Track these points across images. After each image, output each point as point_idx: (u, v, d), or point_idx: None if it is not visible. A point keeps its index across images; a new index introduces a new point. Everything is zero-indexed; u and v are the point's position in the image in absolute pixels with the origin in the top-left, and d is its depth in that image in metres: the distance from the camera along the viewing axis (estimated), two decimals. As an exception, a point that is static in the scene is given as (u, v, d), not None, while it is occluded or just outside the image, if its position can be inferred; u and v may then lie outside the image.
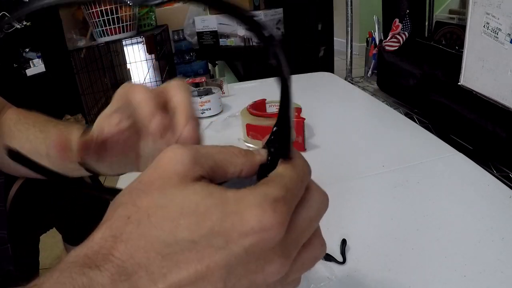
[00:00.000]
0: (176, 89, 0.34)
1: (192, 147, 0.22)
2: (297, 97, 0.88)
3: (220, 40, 2.02)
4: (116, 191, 0.24)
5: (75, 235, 0.80)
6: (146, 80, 2.51)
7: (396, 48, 1.27)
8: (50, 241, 1.06)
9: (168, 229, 0.20)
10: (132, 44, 2.42)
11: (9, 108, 0.60)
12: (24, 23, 1.61)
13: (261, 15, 1.83)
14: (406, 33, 1.25)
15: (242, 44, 1.96)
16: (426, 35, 1.44)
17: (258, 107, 0.82)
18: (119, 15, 2.00)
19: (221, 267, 0.20)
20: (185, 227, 0.20)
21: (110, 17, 1.98)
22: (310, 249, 0.25)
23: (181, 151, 0.22)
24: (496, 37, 0.74)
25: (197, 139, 0.33)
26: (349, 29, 1.53)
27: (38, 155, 0.54)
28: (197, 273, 0.20)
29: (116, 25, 2.02)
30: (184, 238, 0.20)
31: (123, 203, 0.21)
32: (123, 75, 2.85)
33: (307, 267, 0.25)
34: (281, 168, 0.24)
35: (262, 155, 0.25)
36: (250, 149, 0.25)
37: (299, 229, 0.23)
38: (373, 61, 1.54)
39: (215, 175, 0.23)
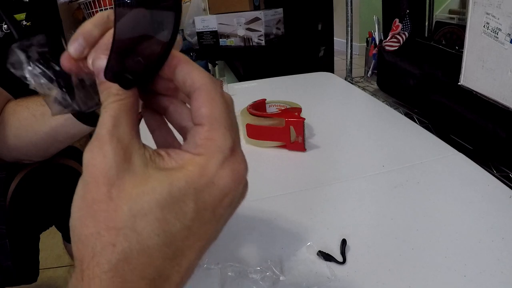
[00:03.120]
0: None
1: (109, 139, 0.21)
2: (297, 97, 0.88)
3: (220, 40, 2.02)
4: None
5: None
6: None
7: (396, 48, 1.27)
8: (50, 241, 1.07)
9: (161, 230, 0.20)
10: (132, 44, 2.41)
11: (14, 99, 0.62)
12: (24, 23, 1.60)
13: (261, 15, 1.83)
14: (406, 33, 1.25)
15: (242, 44, 1.96)
16: (426, 35, 1.44)
17: (258, 107, 0.82)
18: (119, 15, 1.99)
19: (217, 230, 0.23)
20: (176, 219, 0.20)
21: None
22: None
23: (105, 150, 0.21)
24: (496, 37, 0.74)
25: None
26: (349, 29, 1.53)
27: (32, 117, 0.57)
28: (201, 248, 0.22)
29: (116, 25, 2.02)
30: (179, 229, 0.20)
31: (93, 234, 0.20)
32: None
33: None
34: (204, 110, 0.23)
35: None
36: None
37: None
38: (373, 61, 1.54)
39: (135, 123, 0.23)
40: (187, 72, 0.24)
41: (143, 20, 0.22)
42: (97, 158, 0.20)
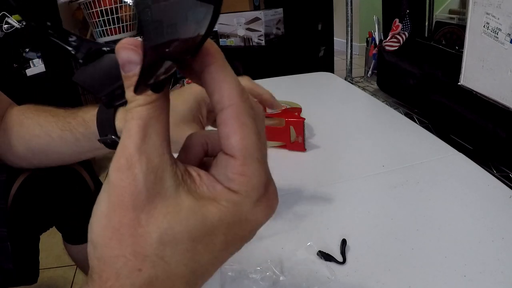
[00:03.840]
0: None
1: (139, 157, 0.19)
2: (297, 97, 0.88)
3: (220, 40, 2.02)
4: None
5: (75, 234, 0.81)
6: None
7: (396, 48, 1.27)
8: (50, 241, 1.06)
9: (189, 261, 0.20)
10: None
11: (15, 105, 0.62)
12: (24, 23, 1.60)
13: (261, 15, 1.83)
14: (406, 33, 1.25)
15: (242, 44, 1.96)
16: (426, 35, 1.44)
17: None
18: (119, 15, 2.00)
19: (236, 251, 0.23)
20: (206, 251, 0.20)
21: (110, 17, 1.97)
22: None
23: (135, 171, 0.19)
24: (496, 37, 0.74)
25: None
26: (349, 29, 1.53)
27: (49, 138, 0.57)
28: (219, 267, 0.22)
29: (116, 25, 2.02)
30: (207, 260, 0.21)
31: (118, 257, 0.19)
32: (123, 75, 2.83)
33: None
34: (235, 140, 0.20)
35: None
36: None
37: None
38: (373, 61, 1.54)
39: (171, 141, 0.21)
40: (217, 81, 0.20)
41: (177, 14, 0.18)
42: (126, 180, 0.19)
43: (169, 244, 0.19)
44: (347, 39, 1.56)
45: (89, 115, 0.54)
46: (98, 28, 2.02)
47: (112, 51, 0.31)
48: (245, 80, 0.51)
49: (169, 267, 0.19)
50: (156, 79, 0.19)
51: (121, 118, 0.51)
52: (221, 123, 0.20)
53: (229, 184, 0.21)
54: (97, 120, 0.53)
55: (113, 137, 0.52)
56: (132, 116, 0.19)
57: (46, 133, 0.57)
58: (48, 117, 0.58)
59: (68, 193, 0.72)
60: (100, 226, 0.20)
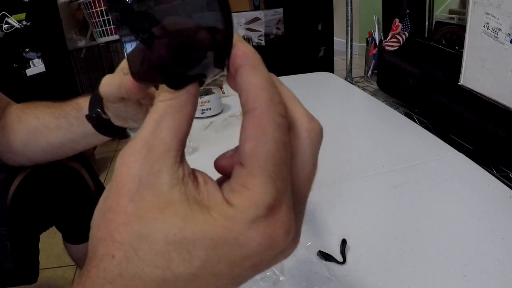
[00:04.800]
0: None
1: (142, 147, 0.19)
2: (297, 97, 0.88)
3: (220, 40, 2.02)
4: None
5: (75, 234, 0.80)
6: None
7: (396, 48, 1.27)
8: (50, 241, 1.06)
9: (162, 265, 0.18)
10: (132, 44, 2.41)
11: (14, 104, 0.63)
12: (24, 23, 1.61)
13: (261, 15, 1.83)
14: (406, 33, 1.25)
15: (242, 44, 1.96)
16: (426, 35, 1.44)
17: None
18: (119, 15, 1.99)
19: (233, 284, 0.19)
20: (180, 260, 0.18)
21: (110, 17, 1.97)
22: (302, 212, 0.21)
23: (133, 159, 0.19)
24: (496, 37, 0.74)
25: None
26: (349, 29, 1.53)
27: (46, 129, 0.59)
28: None
29: (116, 25, 2.02)
30: (182, 272, 0.18)
31: (101, 239, 0.19)
32: (123, 75, 2.84)
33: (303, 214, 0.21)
34: (248, 146, 0.18)
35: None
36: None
37: (302, 200, 0.20)
38: (373, 61, 1.54)
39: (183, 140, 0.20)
40: (245, 82, 0.19)
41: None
42: (124, 167, 0.19)
43: (145, 240, 0.18)
44: (347, 39, 1.56)
45: (83, 99, 0.56)
46: (98, 28, 2.02)
47: None
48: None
49: (140, 264, 0.18)
50: (175, 72, 0.19)
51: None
52: (242, 127, 0.19)
53: (228, 195, 0.19)
54: (90, 100, 0.54)
55: (98, 110, 0.52)
56: (152, 110, 0.20)
57: (44, 124, 0.58)
58: (45, 109, 0.60)
59: (68, 192, 0.72)
60: (98, 208, 0.20)
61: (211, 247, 0.18)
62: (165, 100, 0.20)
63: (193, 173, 0.20)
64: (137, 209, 0.18)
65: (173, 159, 0.19)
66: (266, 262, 0.19)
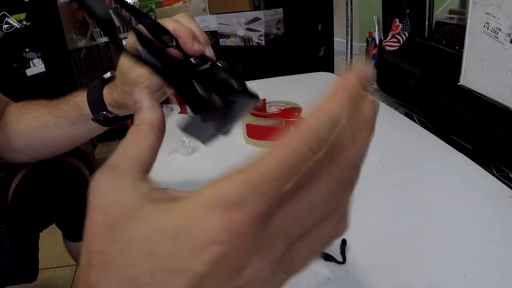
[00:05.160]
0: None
1: (109, 167, 0.21)
2: (297, 97, 0.88)
3: (220, 40, 2.02)
4: None
5: (74, 231, 0.80)
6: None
7: (396, 48, 1.27)
8: (50, 241, 1.06)
9: (126, 264, 0.19)
10: (132, 44, 2.41)
11: (13, 103, 0.63)
12: (24, 23, 1.61)
13: (261, 15, 1.83)
14: (406, 33, 1.25)
15: (242, 44, 1.96)
16: (426, 35, 1.44)
17: (258, 107, 0.82)
18: (119, 15, 1.99)
19: None
20: (142, 257, 0.18)
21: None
22: (311, 240, 0.20)
23: (101, 177, 0.21)
24: (496, 37, 0.74)
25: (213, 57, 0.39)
26: (349, 29, 1.53)
27: (46, 128, 0.60)
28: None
29: (116, 25, 2.02)
30: (145, 270, 0.18)
31: (83, 253, 0.21)
32: (123, 75, 2.84)
33: (305, 262, 0.20)
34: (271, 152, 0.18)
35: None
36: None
37: (285, 223, 0.19)
38: (373, 61, 1.55)
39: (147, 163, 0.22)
40: None
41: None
42: (94, 186, 0.21)
43: (116, 244, 0.19)
44: (347, 39, 1.56)
45: (79, 98, 0.57)
46: (98, 28, 2.02)
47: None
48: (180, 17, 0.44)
49: (114, 266, 0.19)
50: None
51: (106, 94, 0.54)
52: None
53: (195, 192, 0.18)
54: (88, 101, 0.55)
55: (104, 112, 0.54)
56: (127, 133, 0.23)
57: (43, 123, 0.59)
58: (43, 108, 0.60)
59: (68, 189, 0.72)
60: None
61: (172, 242, 0.17)
62: (133, 128, 0.23)
63: (160, 188, 0.21)
64: (106, 220, 0.20)
65: (135, 178, 0.21)
66: (233, 272, 0.18)
